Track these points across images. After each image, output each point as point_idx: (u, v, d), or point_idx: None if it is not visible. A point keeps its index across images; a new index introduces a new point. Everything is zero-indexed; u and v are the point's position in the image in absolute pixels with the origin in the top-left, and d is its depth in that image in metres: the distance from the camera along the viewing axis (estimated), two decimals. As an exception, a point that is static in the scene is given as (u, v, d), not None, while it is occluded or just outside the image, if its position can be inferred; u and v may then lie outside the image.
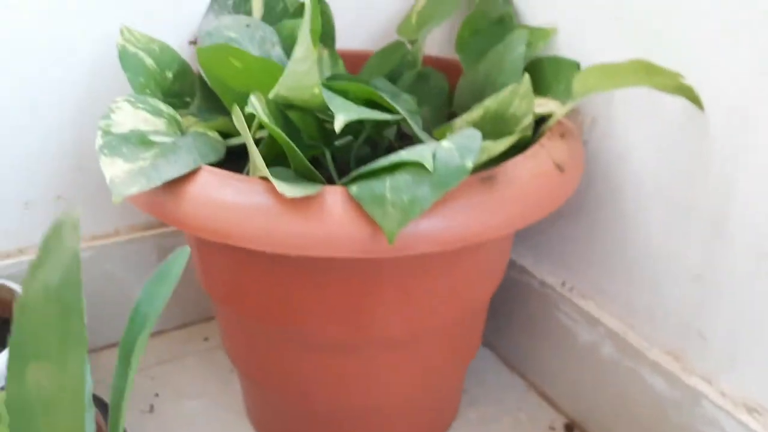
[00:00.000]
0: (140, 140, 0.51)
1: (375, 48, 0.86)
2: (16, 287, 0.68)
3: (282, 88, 0.49)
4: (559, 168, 0.55)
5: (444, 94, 0.73)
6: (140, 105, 0.53)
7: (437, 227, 0.47)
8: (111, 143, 0.49)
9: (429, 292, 0.57)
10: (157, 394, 0.76)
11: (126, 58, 0.61)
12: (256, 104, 0.48)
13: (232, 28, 0.64)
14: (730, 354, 0.59)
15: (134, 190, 0.47)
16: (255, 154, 0.45)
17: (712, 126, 0.56)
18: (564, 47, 0.68)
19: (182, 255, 0.37)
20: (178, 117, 0.55)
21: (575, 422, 0.74)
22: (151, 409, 0.74)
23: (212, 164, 0.51)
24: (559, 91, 0.64)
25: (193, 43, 0.75)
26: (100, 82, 0.71)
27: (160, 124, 0.53)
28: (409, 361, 0.63)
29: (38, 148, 0.71)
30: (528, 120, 0.57)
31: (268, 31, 0.66)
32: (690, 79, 0.54)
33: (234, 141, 0.56)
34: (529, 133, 0.59)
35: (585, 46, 0.66)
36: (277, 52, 0.66)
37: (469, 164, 0.46)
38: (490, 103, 0.56)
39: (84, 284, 0.76)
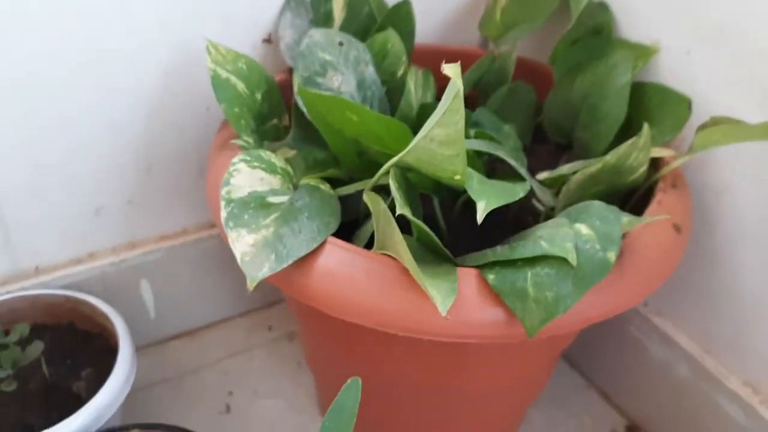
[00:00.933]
0: (259, 203, 0.49)
1: (448, 40, 0.82)
2: (96, 302, 0.67)
3: (411, 159, 0.47)
4: (677, 229, 0.54)
5: (531, 106, 0.70)
6: (255, 163, 0.50)
7: (572, 313, 0.47)
8: (234, 213, 0.47)
9: (527, 354, 0.58)
10: (231, 392, 0.77)
11: (219, 86, 0.57)
12: (396, 193, 0.45)
13: (325, 49, 0.60)
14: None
15: (266, 271, 0.45)
16: (411, 266, 0.43)
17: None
18: (664, 69, 0.65)
19: (354, 387, 0.36)
20: (290, 169, 0.53)
21: (637, 425, 0.77)
22: (228, 409, 0.75)
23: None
24: (665, 126, 0.62)
25: (267, 41, 0.70)
26: (170, 88, 0.67)
27: (275, 181, 0.51)
28: (487, 407, 0.64)
29: (109, 155, 0.68)
30: (643, 169, 0.56)
31: (361, 50, 0.62)
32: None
33: (344, 191, 0.54)
34: (642, 179, 0.57)
35: (689, 69, 0.63)
36: (370, 71, 0.62)
37: (612, 258, 0.45)
38: (609, 157, 0.53)
39: (152, 282, 0.75)
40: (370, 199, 0.47)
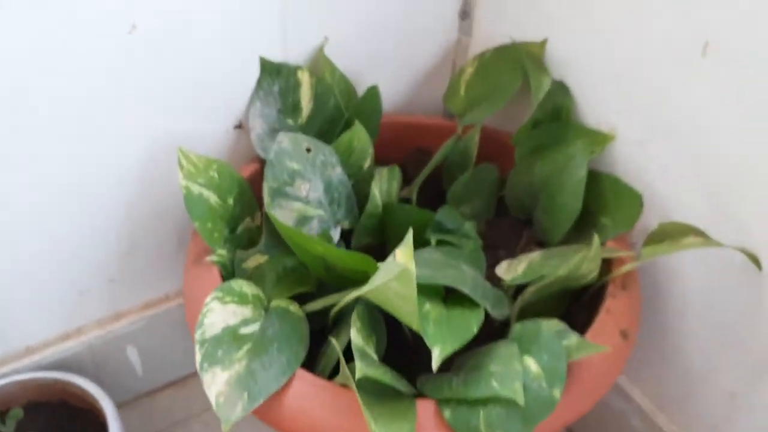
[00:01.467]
0: (232, 337, 0.52)
1: (413, 106, 0.84)
2: (84, 384, 0.71)
3: (371, 296, 0.50)
4: (624, 335, 0.58)
5: (495, 182, 0.73)
6: (228, 298, 0.54)
7: (520, 438, 0.51)
8: (208, 353, 0.51)
9: None
10: (215, 445, 0.83)
11: (192, 203, 0.60)
12: (361, 346, 0.49)
13: (293, 157, 0.63)
14: (752, 465, 0.66)
15: (239, 413, 0.49)
16: (370, 423, 0.47)
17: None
18: (620, 156, 0.68)
19: None
20: (261, 294, 0.56)
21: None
22: (214, 463, 0.81)
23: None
24: (618, 219, 0.65)
25: (239, 126, 0.72)
26: (148, 175, 0.70)
27: (246, 311, 0.54)
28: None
29: (91, 245, 0.71)
30: (594, 274, 0.60)
31: (328, 153, 0.64)
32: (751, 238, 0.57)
33: (311, 307, 0.58)
34: (594, 280, 0.61)
35: (643, 160, 0.66)
36: (337, 173, 0.65)
37: (558, 395, 0.49)
38: (562, 271, 0.57)
39: (138, 347, 0.79)
40: (335, 341, 0.51)
